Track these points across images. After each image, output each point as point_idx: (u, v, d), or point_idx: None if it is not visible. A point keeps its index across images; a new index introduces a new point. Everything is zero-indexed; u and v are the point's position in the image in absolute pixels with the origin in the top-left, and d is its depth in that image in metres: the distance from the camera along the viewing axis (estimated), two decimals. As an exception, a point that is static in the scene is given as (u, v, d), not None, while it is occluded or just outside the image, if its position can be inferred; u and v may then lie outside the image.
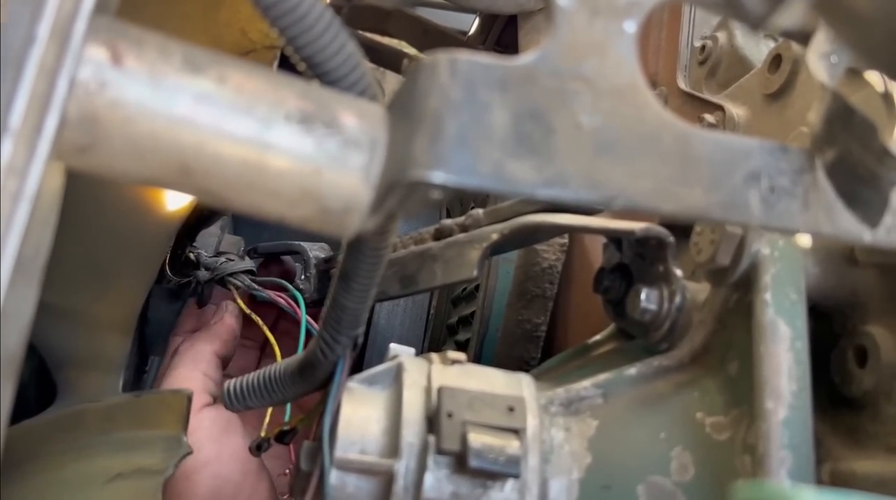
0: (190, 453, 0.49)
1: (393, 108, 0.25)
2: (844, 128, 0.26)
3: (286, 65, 0.30)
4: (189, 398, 0.51)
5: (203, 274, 0.60)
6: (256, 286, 0.58)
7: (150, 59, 0.22)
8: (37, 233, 0.22)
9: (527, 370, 0.44)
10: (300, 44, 0.25)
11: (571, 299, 0.57)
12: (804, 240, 0.35)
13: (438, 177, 0.23)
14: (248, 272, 0.60)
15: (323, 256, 0.60)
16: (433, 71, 0.24)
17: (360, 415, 0.34)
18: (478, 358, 0.58)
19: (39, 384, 0.56)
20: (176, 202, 0.52)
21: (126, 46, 0.22)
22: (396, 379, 0.35)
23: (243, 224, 0.74)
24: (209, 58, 0.23)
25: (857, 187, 0.26)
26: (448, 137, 0.23)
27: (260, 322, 0.58)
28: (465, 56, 0.24)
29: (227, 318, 0.59)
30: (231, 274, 0.59)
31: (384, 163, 0.24)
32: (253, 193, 0.24)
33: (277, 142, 0.23)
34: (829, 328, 0.36)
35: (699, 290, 0.38)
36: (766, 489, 0.19)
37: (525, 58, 0.25)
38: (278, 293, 0.58)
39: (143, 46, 0.22)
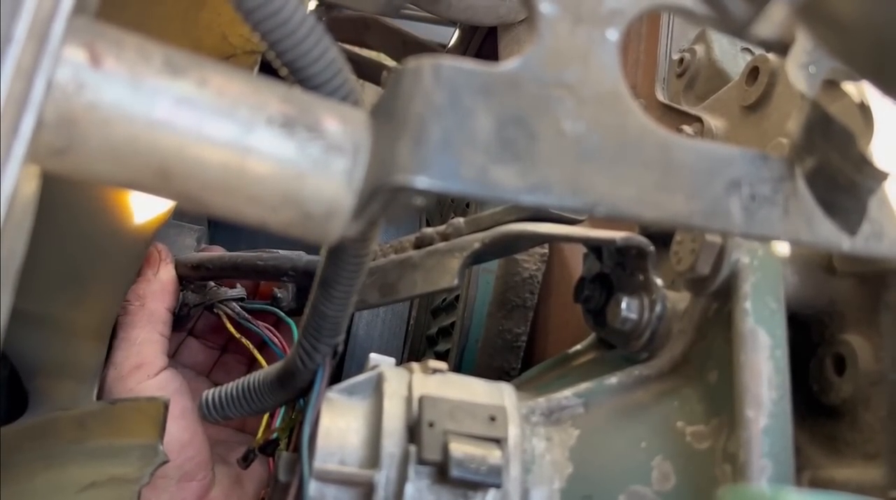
0: (166, 461, 0.48)
1: (376, 113, 0.25)
2: (823, 137, 0.26)
3: (267, 71, 0.30)
4: (166, 406, 0.50)
5: (192, 297, 0.59)
6: (246, 315, 0.57)
7: (130, 61, 0.22)
8: (11, 237, 0.22)
9: (507, 381, 0.44)
10: (282, 48, 0.25)
11: (552, 309, 0.57)
12: (782, 247, 0.35)
13: (422, 182, 0.22)
14: (239, 300, 0.59)
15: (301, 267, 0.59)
16: (417, 76, 0.23)
17: (339, 425, 0.34)
18: (458, 369, 0.58)
19: (11, 393, 0.55)
20: (153, 208, 0.51)
21: (105, 47, 0.22)
22: (377, 389, 0.35)
23: (220, 233, 0.73)
24: (190, 60, 0.23)
25: (836, 195, 0.26)
26: (432, 142, 0.23)
27: (250, 346, 0.57)
28: (449, 62, 0.24)
29: (162, 272, 0.58)
30: (222, 301, 0.58)
31: (367, 168, 0.24)
32: (234, 198, 0.23)
33: (259, 146, 0.23)
34: (808, 337, 0.36)
35: (679, 299, 0.38)
36: (750, 493, 0.19)
37: (509, 64, 0.25)
38: (268, 326, 0.57)
39: (122, 48, 0.22)
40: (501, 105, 0.24)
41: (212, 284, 0.59)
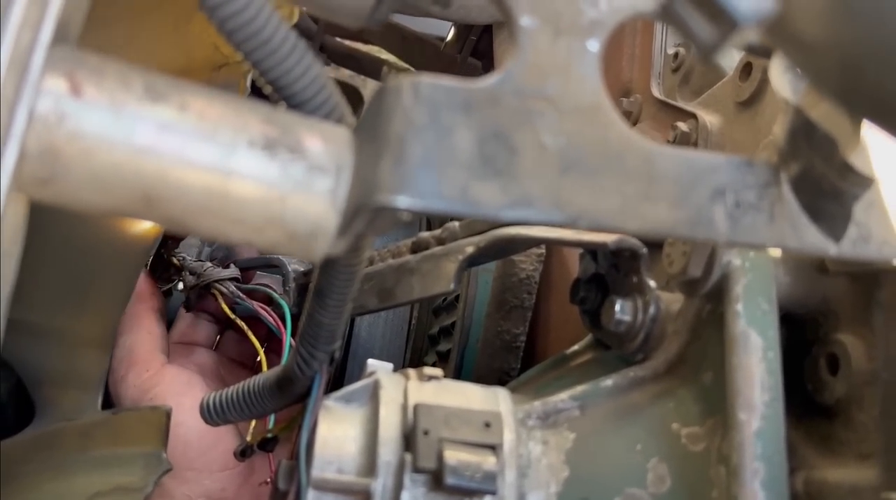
0: (170, 469, 0.49)
1: (359, 130, 0.25)
2: (807, 143, 0.26)
3: (257, 90, 0.30)
4: (168, 414, 0.51)
5: (190, 279, 0.60)
6: (241, 295, 0.58)
7: (110, 89, 0.22)
8: (1, 265, 0.22)
9: (507, 381, 0.44)
10: (265, 67, 0.25)
11: (550, 309, 0.57)
12: (774, 249, 0.35)
13: (403, 201, 0.23)
14: (234, 280, 0.60)
15: (302, 269, 0.60)
16: (397, 95, 0.24)
17: (336, 434, 0.34)
18: (459, 369, 0.58)
19: (18, 403, 0.55)
20: (151, 219, 0.51)
21: (85, 76, 0.22)
22: (373, 397, 0.35)
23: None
24: (170, 85, 0.23)
25: (820, 201, 0.26)
26: (412, 161, 0.23)
27: (246, 328, 0.58)
28: (428, 79, 0.24)
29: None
30: (217, 281, 0.59)
31: (350, 187, 0.24)
32: (218, 221, 0.24)
33: (241, 168, 0.23)
34: (802, 336, 0.36)
35: (673, 300, 0.38)
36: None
37: (488, 79, 0.25)
38: (262, 306, 0.58)
39: (102, 76, 0.22)
40: (481, 121, 0.24)
41: (208, 265, 0.60)
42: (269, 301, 0.58)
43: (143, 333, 0.56)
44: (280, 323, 0.56)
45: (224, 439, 0.54)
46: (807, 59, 0.19)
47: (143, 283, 0.59)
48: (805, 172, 0.26)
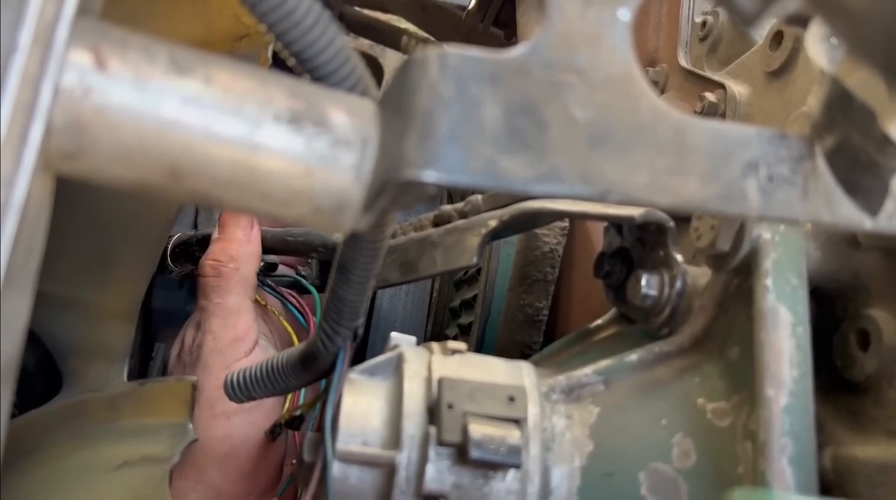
0: (195, 440, 0.49)
1: (384, 103, 0.25)
2: (844, 114, 0.25)
3: (279, 61, 0.29)
4: (193, 386, 0.51)
5: None
6: (271, 284, 0.59)
7: (135, 62, 0.22)
8: (27, 240, 0.22)
9: (529, 355, 0.44)
10: (289, 40, 0.25)
11: (573, 283, 0.56)
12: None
13: (430, 176, 0.22)
14: (268, 267, 0.60)
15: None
16: (423, 67, 0.23)
17: (361, 407, 0.34)
18: (480, 342, 0.58)
19: (45, 374, 0.56)
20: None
21: (110, 49, 0.22)
22: (397, 370, 0.35)
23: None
24: (195, 58, 0.23)
25: (857, 175, 0.26)
26: (439, 135, 0.23)
27: (276, 314, 0.59)
28: (455, 51, 0.23)
29: (254, 235, 0.56)
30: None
31: (376, 161, 0.24)
32: (244, 194, 0.23)
33: (267, 142, 0.23)
34: (832, 312, 0.36)
35: (700, 275, 0.38)
36: (756, 497, 0.19)
37: (516, 50, 0.24)
38: (291, 293, 0.58)
39: (127, 48, 0.22)
40: (509, 93, 0.23)
41: None
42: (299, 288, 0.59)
43: (248, 301, 0.55)
44: (307, 309, 0.57)
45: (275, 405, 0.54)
46: (850, 26, 0.18)
47: (259, 246, 0.56)
48: (841, 145, 0.26)
